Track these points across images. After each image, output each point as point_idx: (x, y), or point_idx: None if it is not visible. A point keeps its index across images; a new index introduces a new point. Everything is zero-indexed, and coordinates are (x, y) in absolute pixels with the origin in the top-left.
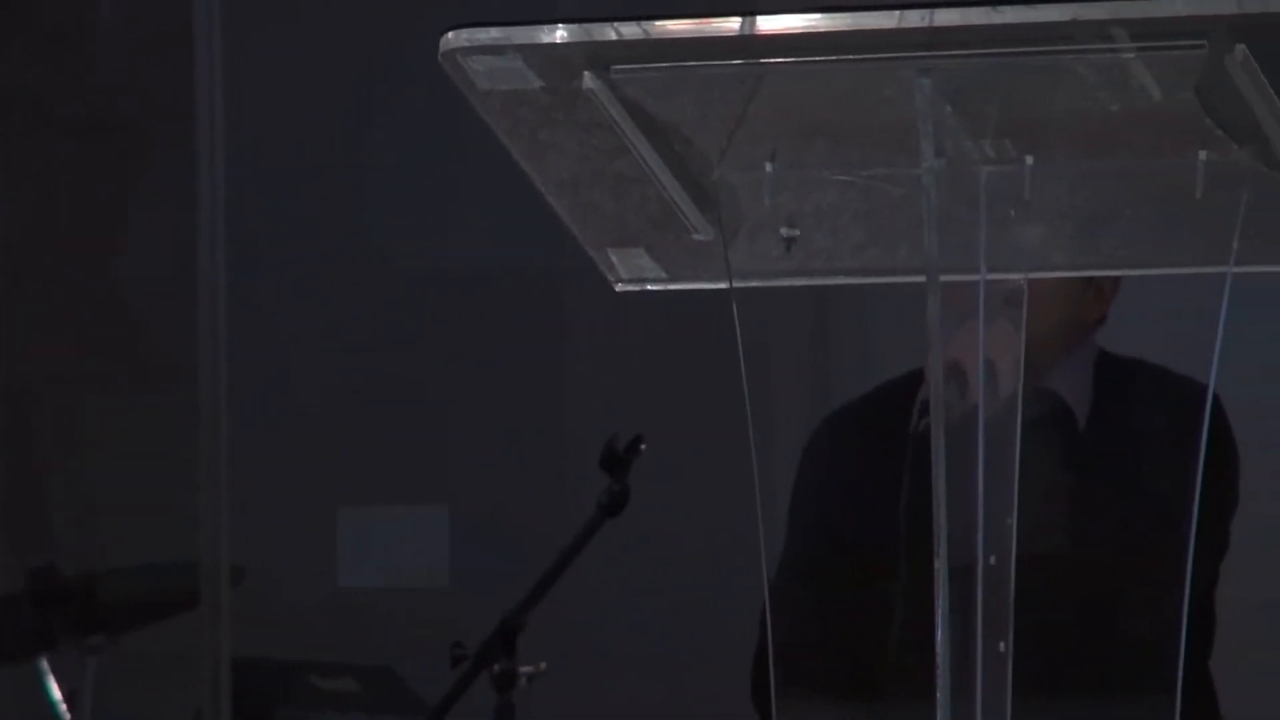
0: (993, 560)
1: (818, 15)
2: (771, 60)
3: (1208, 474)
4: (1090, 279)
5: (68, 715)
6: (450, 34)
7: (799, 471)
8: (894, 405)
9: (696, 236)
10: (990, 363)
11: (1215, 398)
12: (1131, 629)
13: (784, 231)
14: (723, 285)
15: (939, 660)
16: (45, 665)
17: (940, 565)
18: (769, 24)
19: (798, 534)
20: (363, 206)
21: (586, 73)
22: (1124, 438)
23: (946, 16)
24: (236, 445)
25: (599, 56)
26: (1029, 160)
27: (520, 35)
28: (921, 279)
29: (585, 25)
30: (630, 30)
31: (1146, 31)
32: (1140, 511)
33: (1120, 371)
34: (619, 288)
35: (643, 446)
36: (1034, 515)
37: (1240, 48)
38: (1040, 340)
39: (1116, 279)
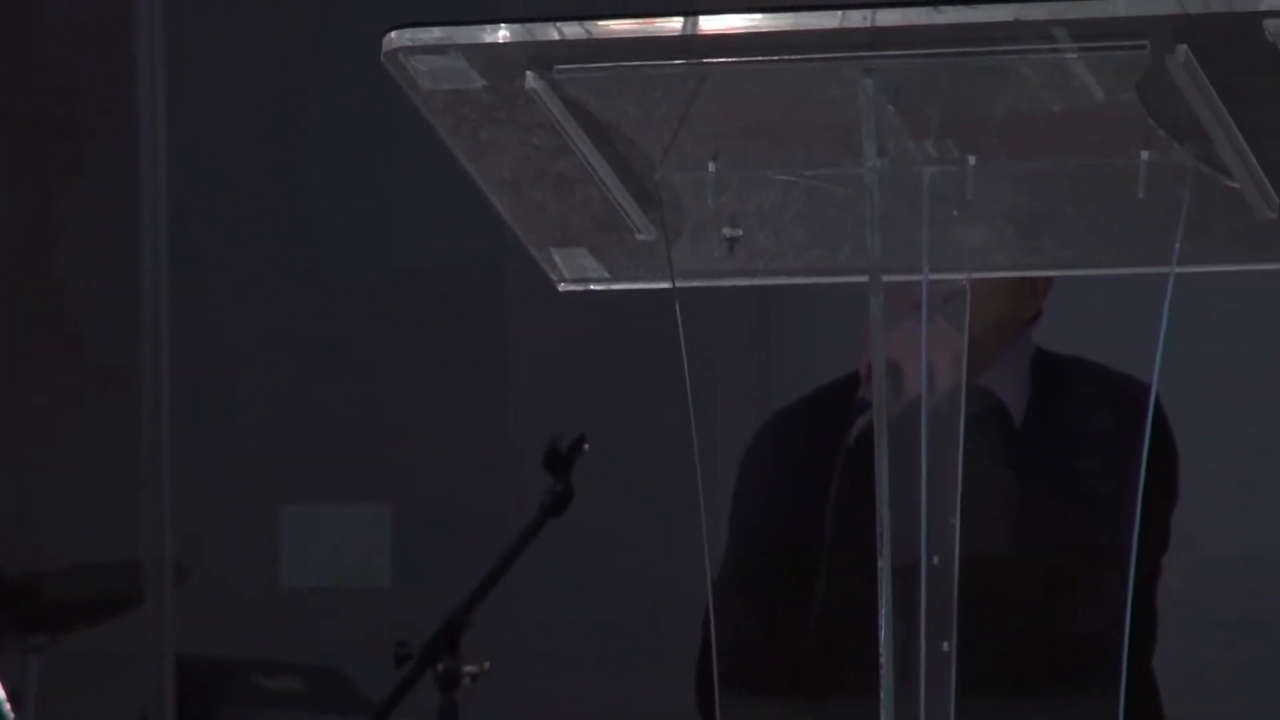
0: (936, 560)
1: (760, 15)
2: (714, 60)
3: (1147, 471)
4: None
5: (11, 715)
6: (393, 34)
7: (740, 474)
8: (834, 407)
9: (639, 236)
10: (929, 362)
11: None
12: (1074, 627)
13: (727, 231)
14: (666, 285)
15: (883, 660)
16: None
17: (884, 565)
18: (711, 24)
19: (739, 536)
20: (305, 206)
21: (529, 72)
22: (1063, 435)
23: (889, 17)
24: (179, 444)
25: (542, 56)
26: (971, 160)
27: (463, 35)
28: (864, 279)
29: (528, 25)
30: (573, 30)
31: (1088, 32)
32: (1080, 509)
33: (1058, 369)
34: (562, 288)
35: (586, 446)
36: (971, 514)
37: (1182, 48)
38: (976, 338)
39: (1050, 276)
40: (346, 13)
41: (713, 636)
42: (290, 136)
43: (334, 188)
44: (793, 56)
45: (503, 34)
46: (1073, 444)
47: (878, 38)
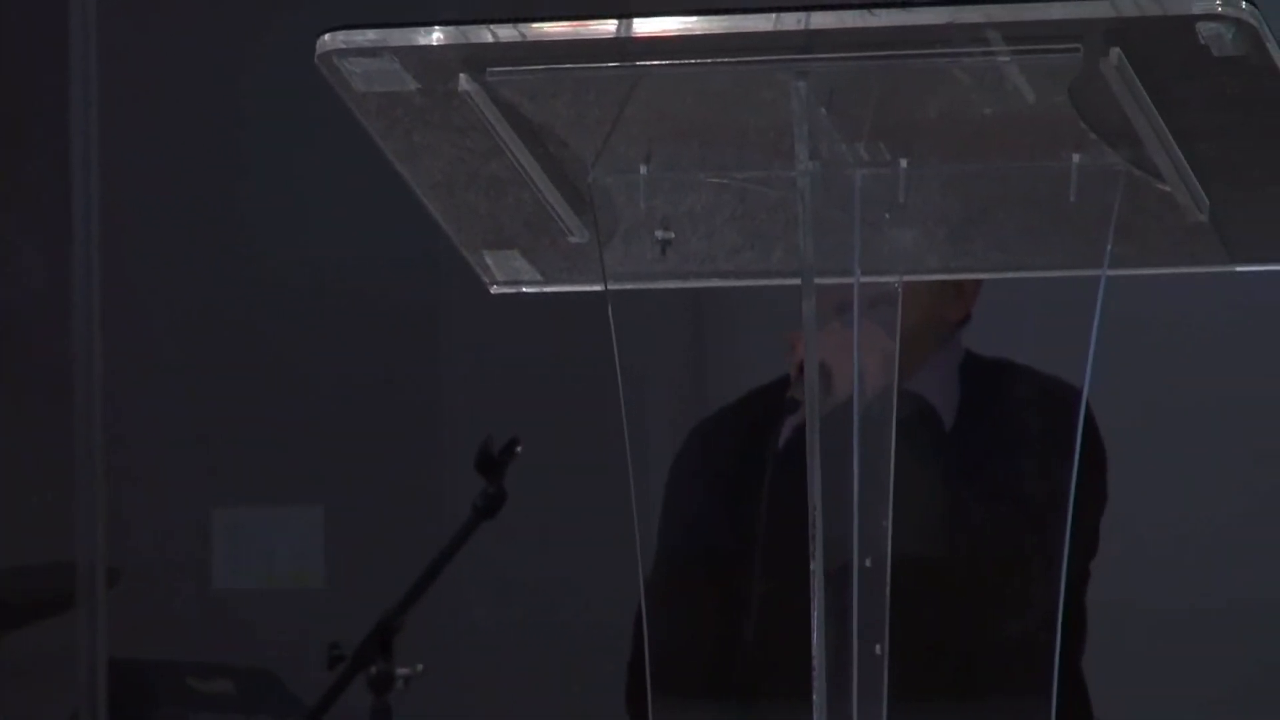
0: (868, 563)
1: (694, 18)
2: (647, 63)
3: (1077, 474)
4: None
5: None
6: (327, 36)
7: (670, 479)
8: (764, 410)
9: (572, 239)
10: (844, 360)
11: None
12: (1006, 630)
13: (659, 234)
14: (598, 288)
15: (815, 663)
16: None
17: (816, 568)
18: (645, 26)
19: (670, 540)
20: (238, 208)
21: (462, 75)
22: (993, 439)
23: (823, 19)
24: (112, 446)
25: (475, 59)
26: (903, 163)
27: (396, 37)
28: (796, 282)
29: (461, 28)
30: (506, 32)
31: (1022, 35)
32: (1010, 512)
33: (987, 373)
34: (494, 290)
35: (518, 449)
36: (902, 518)
37: (1115, 51)
38: (903, 341)
39: (979, 279)
40: (280, 10)
41: (646, 641)
42: (223, 139)
43: (266, 190)
44: (726, 59)
45: (436, 36)
46: (1003, 448)
47: (812, 41)
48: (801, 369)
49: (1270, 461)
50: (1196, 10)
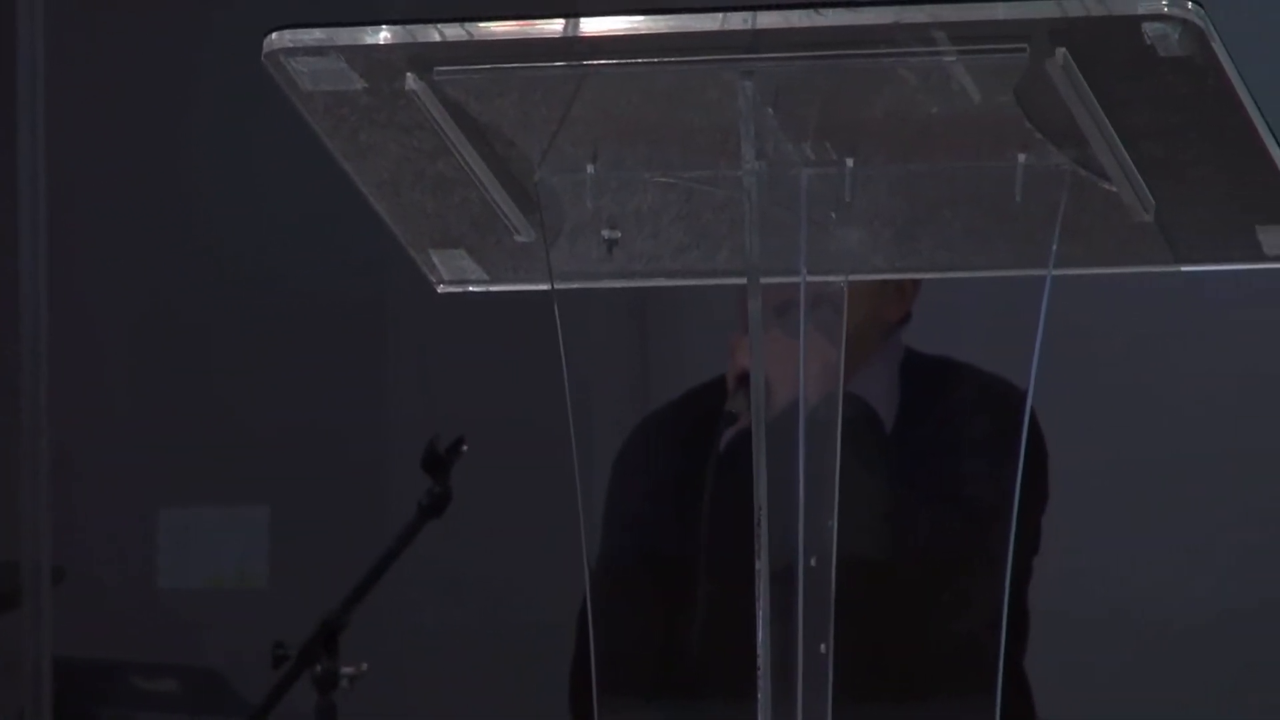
0: (813, 562)
1: (641, 17)
2: (594, 62)
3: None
4: None
5: None
6: (274, 35)
7: (611, 480)
8: (704, 409)
9: (518, 238)
10: (783, 369)
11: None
12: (950, 630)
13: (605, 233)
14: (544, 287)
15: (760, 662)
16: None
17: (761, 567)
18: (592, 26)
19: (612, 541)
20: (183, 208)
21: (409, 74)
22: (934, 439)
23: (769, 19)
24: (57, 446)
25: (422, 58)
26: (849, 163)
27: (343, 36)
28: (742, 281)
29: (408, 27)
30: (453, 32)
31: (968, 35)
32: (953, 512)
33: (928, 370)
34: (441, 289)
35: (464, 448)
36: (844, 518)
37: (1061, 51)
38: (846, 341)
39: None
40: (227, 9)
41: (591, 641)
42: (170, 139)
43: (213, 191)
44: (673, 59)
45: (383, 35)
46: (945, 448)
47: (758, 40)
48: (740, 379)
49: (1218, 463)
50: (1142, 11)
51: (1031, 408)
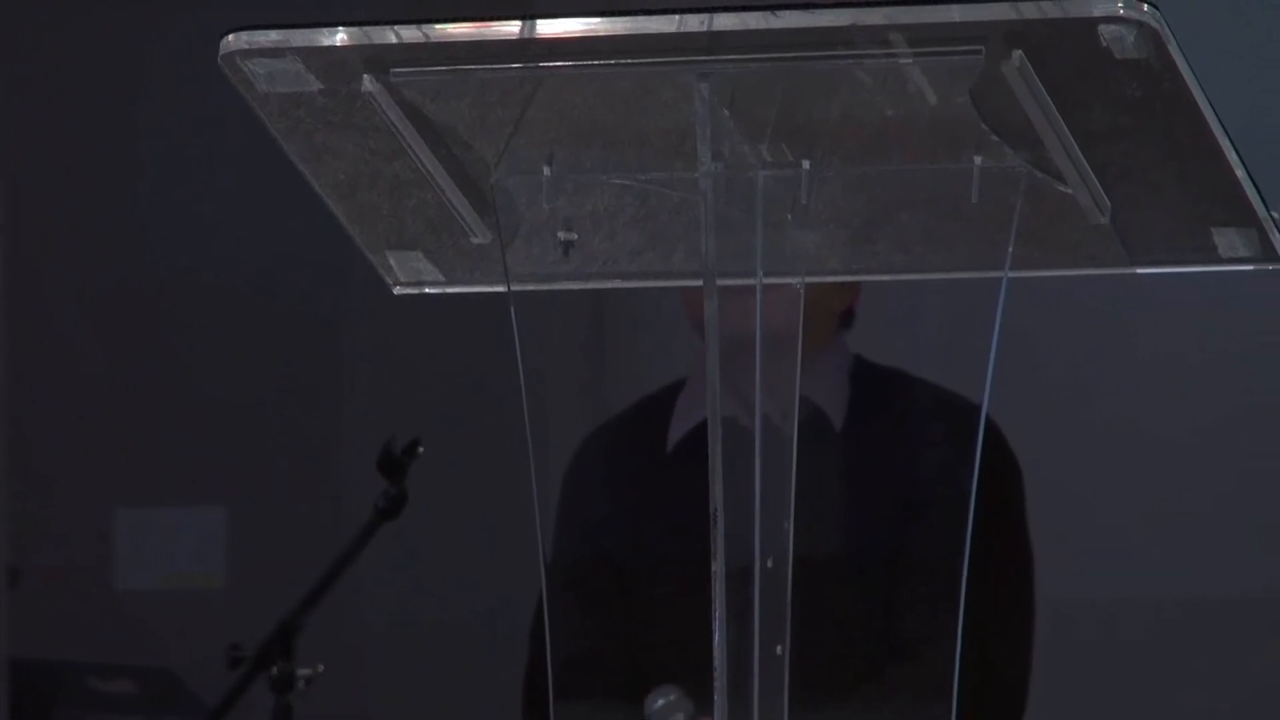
0: (770, 563)
1: (598, 19)
2: (551, 64)
3: (990, 484)
4: None
5: None
6: (230, 36)
7: (563, 488)
8: (653, 419)
9: (474, 240)
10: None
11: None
12: (906, 633)
13: (561, 235)
14: (500, 289)
15: (716, 664)
16: None
17: (717, 568)
18: (549, 27)
19: (565, 547)
20: (138, 206)
21: (366, 75)
22: (883, 443)
23: (725, 21)
24: (13, 446)
25: (378, 59)
26: (806, 164)
27: (299, 38)
28: (699, 283)
29: (365, 28)
30: (410, 33)
31: (924, 37)
32: (907, 514)
33: (878, 380)
34: (397, 291)
35: (420, 450)
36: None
37: (1017, 53)
38: (791, 336)
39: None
40: (180, 11)
41: (548, 647)
42: (122, 141)
43: (169, 189)
44: (629, 61)
45: (340, 37)
46: (895, 451)
47: (715, 42)
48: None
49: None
50: (1098, 13)
51: (993, 420)
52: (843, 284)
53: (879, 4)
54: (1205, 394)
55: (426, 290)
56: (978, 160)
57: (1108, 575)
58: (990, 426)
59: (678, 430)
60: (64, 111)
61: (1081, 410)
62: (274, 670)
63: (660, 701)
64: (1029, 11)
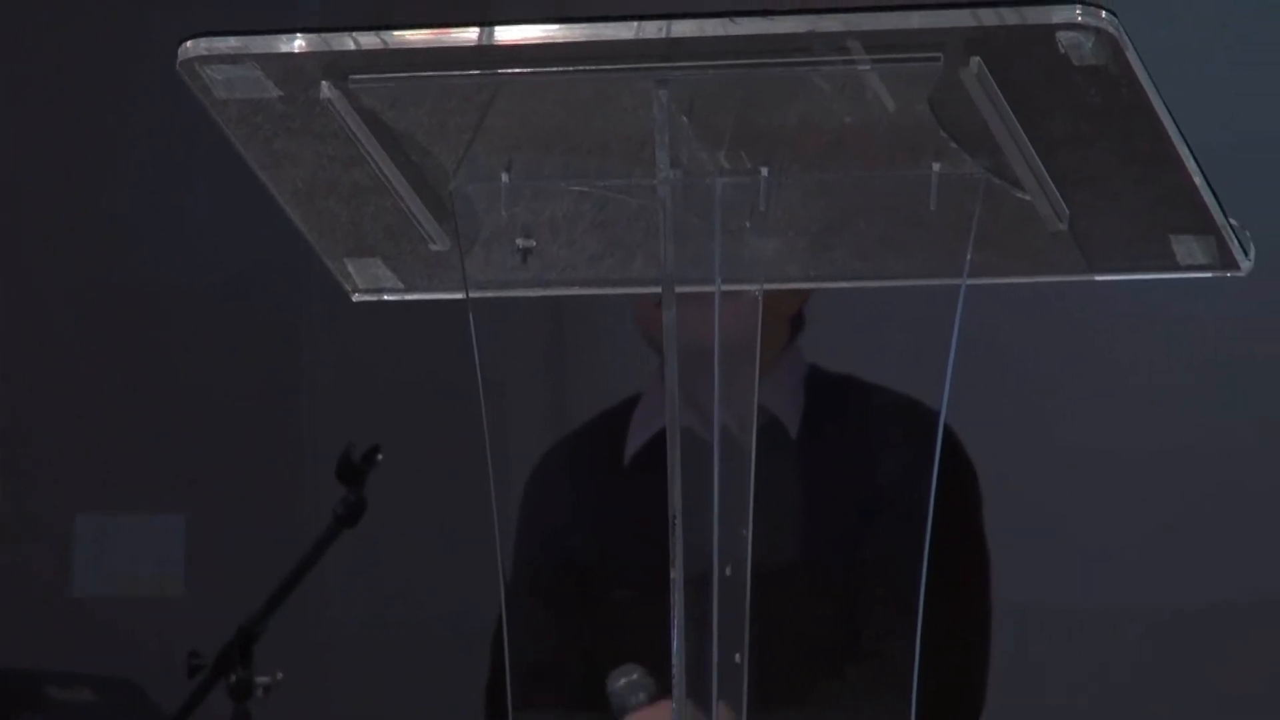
0: (728, 571)
1: (556, 26)
2: (509, 71)
3: (946, 489)
4: None
5: None
6: (189, 43)
7: (523, 500)
8: (611, 431)
9: (433, 247)
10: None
11: (938, 411)
12: (865, 638)
13: (520, 242)
14: (460, 296)
15: (674, 672)
16: None
17: (676, 576)
18: (507, 34)
19: (526, 562)
20: (99, 215)
21: (324, 82)
22: (840, 452)
23: (684, 28)
24: None
25: (337, 66)
26: (764, 171)
27: (258, 44)
28: (657, 290)
29: (323, 35)
30: (368, 40)
31: (882, 44)
32: (863, 520)
33: (833, 386)
34: (356, 297)
35: (379, 457)
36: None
37: (975, 60)
38: (746, 341)
39: None
40: (154, 15)
41: (506, 659)
42: (88, 148)
43: (129, 198)
44: (588, 67)
45: (298, 44)
46: (851, 457)
47: (673, 49)
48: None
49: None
50: (1056, 20)
51: (953, 429)
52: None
53: (837, 11)
54: (1170, 403)
55: (385, 297)
56: (936, 167)
57: (1072, 583)
58: (947, 432)
59: (635, 442)
60: (21, 117)
61: (1043, 417)
62: (233, 678)
63: (622, 681)
64: (987, 18)
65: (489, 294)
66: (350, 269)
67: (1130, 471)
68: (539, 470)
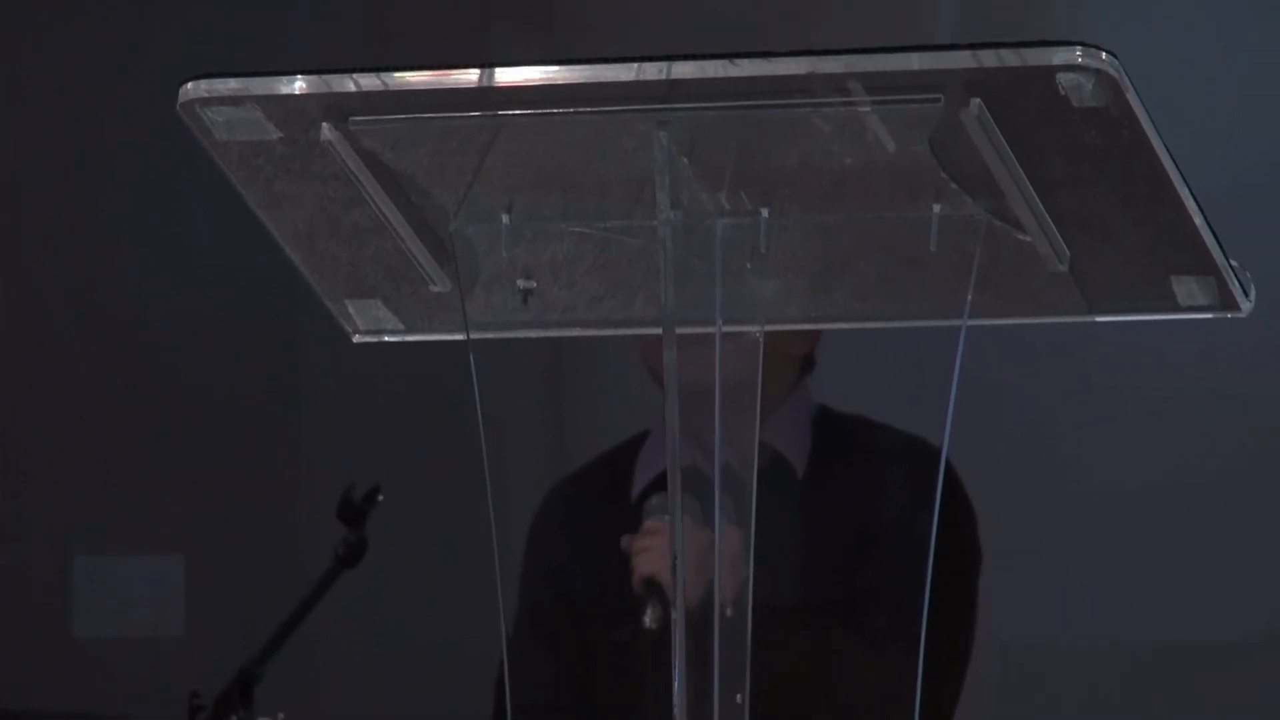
0: (729, 612)
1: (556, 67)
2: (509, 112)
3: (946, 533)
4: None
5: None
6: (189, 84)
7: (529, 539)
8: (617, 469)
9: (434, 288)
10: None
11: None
12: (866, 680)
13: (521, 283)
14: (460, 337)
15: (675, 712)
16: None
17: (677, 617)
18: (507, 75)
19: (530, 601)
20: (97, 250)
21: (325, 124)
22: (845, 491)
23: (684, 69)
24: None
25: (337, 107)
26: (765, 212)
27: (258, 86)
28: (658, 331)
29: (324, 76)
30: (369, 81)
31: (883, 85)
32: (867, 560)
33: (841, 427)
34: (356, 339)
35: (380, 497)
36: (755, 566)
37: (975, 102)
38: (749, 385)
39: None
40: (146, 44)
41: (508, 698)
42: (83, 179)
43: (128, 232)
44: (588, 109)
45: (299, 85)
46: (857, 500)
47: (673, 90)
48: (646, 585)
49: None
50: (1057, 61)
51: (953, 466)
52: (802, 329)
53: (838, 52)
54: (1168, 441)
55: (386, 339)
56: (936, 208)
57: (1071, 618)
58: (948, 471)
59: (641, 480)
60: (15, 144)
61: (1044, 455)
62: (233, 719)
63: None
64: (988, 60)
65: (490, 335)
66: (351, 310)
67: (1128, 508)
68: (544, 509)
